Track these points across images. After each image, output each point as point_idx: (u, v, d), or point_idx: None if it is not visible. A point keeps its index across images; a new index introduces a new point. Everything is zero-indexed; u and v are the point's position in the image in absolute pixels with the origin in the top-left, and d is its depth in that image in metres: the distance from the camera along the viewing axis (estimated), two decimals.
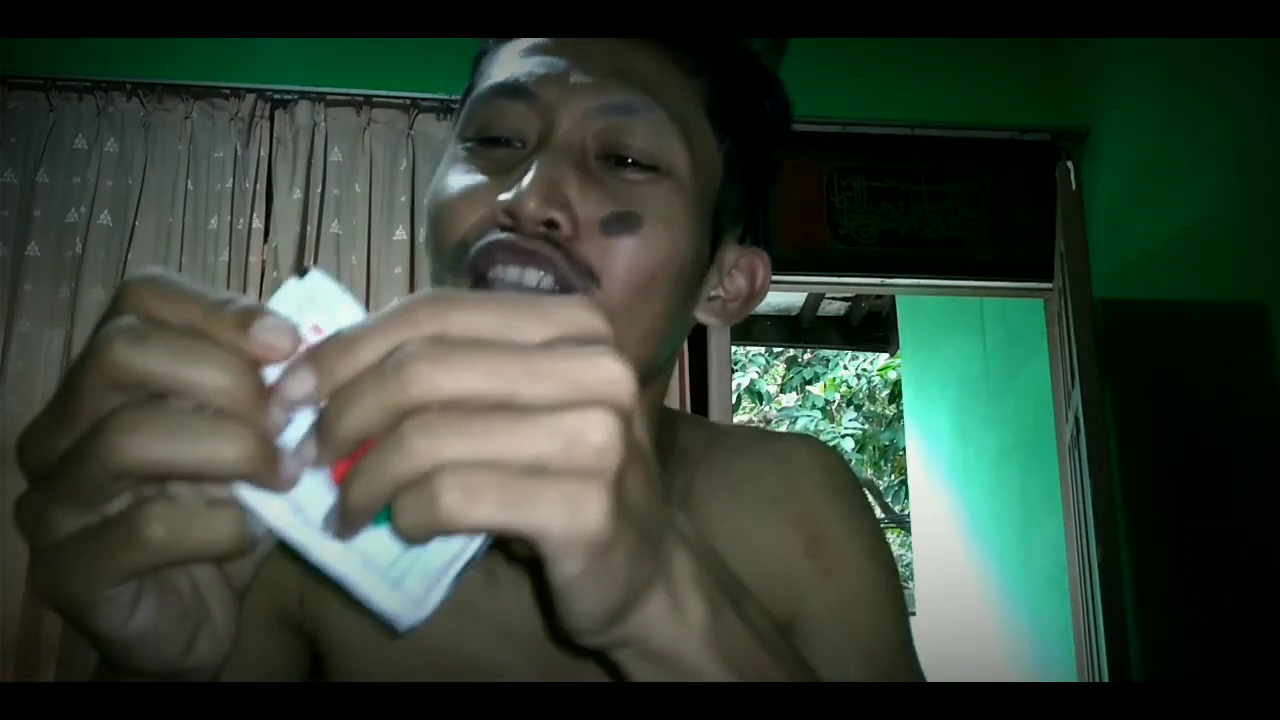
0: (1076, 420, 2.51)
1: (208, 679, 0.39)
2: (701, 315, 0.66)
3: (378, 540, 0.34)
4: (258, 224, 2.68)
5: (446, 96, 2.70)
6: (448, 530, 0.31)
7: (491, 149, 0.59)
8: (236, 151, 2.71)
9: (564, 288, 0.55)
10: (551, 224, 0.54)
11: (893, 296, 5.26)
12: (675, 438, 0.70)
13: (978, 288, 3.10)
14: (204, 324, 0.32)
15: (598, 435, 0.31)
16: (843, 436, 8.84)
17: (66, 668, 2.34)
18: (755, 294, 0.67)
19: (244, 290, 2.62)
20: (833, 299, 5.94)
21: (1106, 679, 2.26)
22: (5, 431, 2.48)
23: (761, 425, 9.04)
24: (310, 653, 0.69)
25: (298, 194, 2.69)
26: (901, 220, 3.00)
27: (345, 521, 0.32)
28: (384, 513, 0.32)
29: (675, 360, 0.68)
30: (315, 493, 0.33)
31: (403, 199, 2.71)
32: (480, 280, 0.55)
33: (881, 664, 0.63)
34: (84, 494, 0.32)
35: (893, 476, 8.63)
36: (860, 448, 8.89)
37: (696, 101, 0.61)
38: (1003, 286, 3.06)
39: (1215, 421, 2.34)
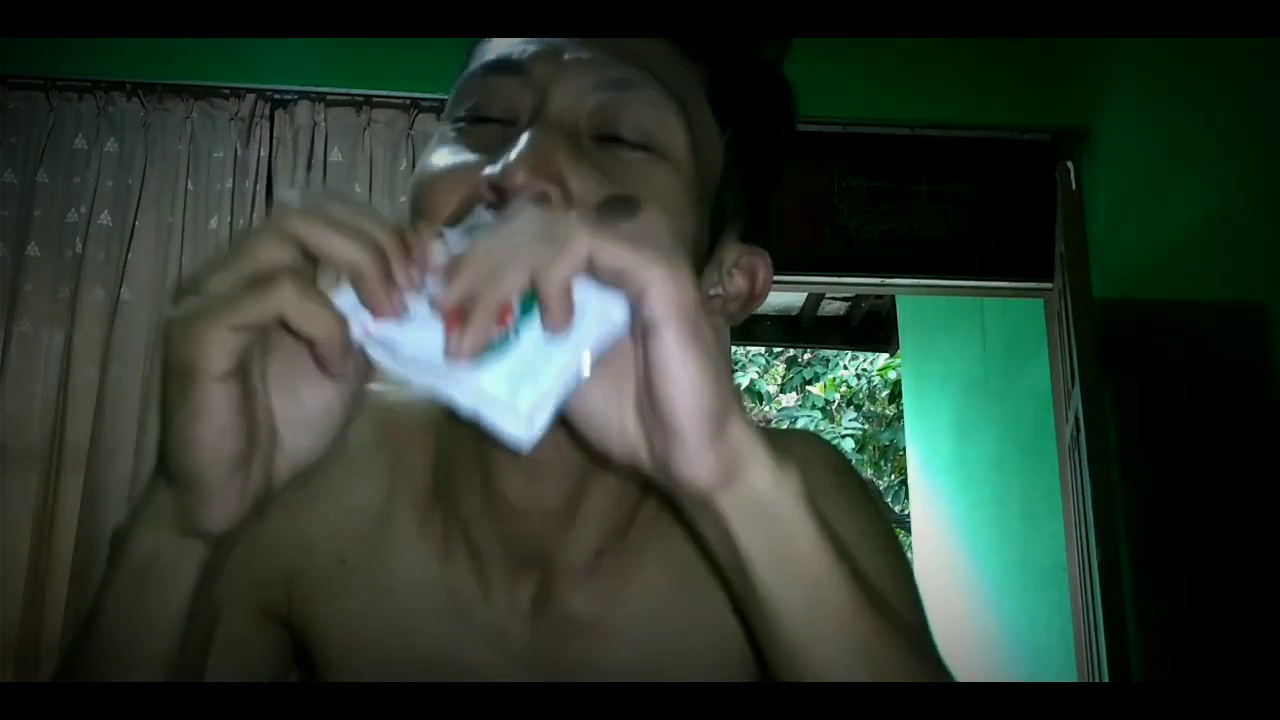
0: (1077, 420, 2.51)
1: (222, 524, 0.45)
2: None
3: (490, 372, 0.42)
4: (258, 224, 2.67)
5: (446, 96, 2.69)
6: (589, 271, 0.41)
7: (481, 126, 0.57)
8: (236, 151, 2.70)
9: None
10: (542, 197, 0.52)
11: (893, 296, 5.25)
12: None
13: (978, 288, 3.10)
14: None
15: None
16: (843, 437, 8.83)
17: (66, 668, 2.33)
18: (755, 296, 0.65)
19: None
20: (833, 299, 5.94)
21: (1106, 679, 2.25)
22: (5, 432, 2.48)
23: (761, 424, 9.04)
24: (293, 647, 0.68)
25: (298, 194, 2.68)
26: (902, 220, 2.99)
27: (468, 344, 0.41)
28: (491, 346, 0.42)
29: None
30: (430, 339, 0.43)
31: (403, 199, 2.70)
32: None
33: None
34: (247, 259, 0.42)
35: (893, 477, 8.62)
36: (860, 448, 8.88)
37: (697, 85, 0.59)
38: (1003, 286, 3.06)
39: (1215, 421, 2.33)
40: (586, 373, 0.43)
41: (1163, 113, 2.60)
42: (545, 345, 0.43)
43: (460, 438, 0.62)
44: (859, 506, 0.68)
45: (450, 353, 0.42)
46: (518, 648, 0.64)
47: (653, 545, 0.65)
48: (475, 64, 0.60)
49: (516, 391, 0.42)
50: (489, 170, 0.52)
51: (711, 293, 0.63)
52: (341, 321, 0.42)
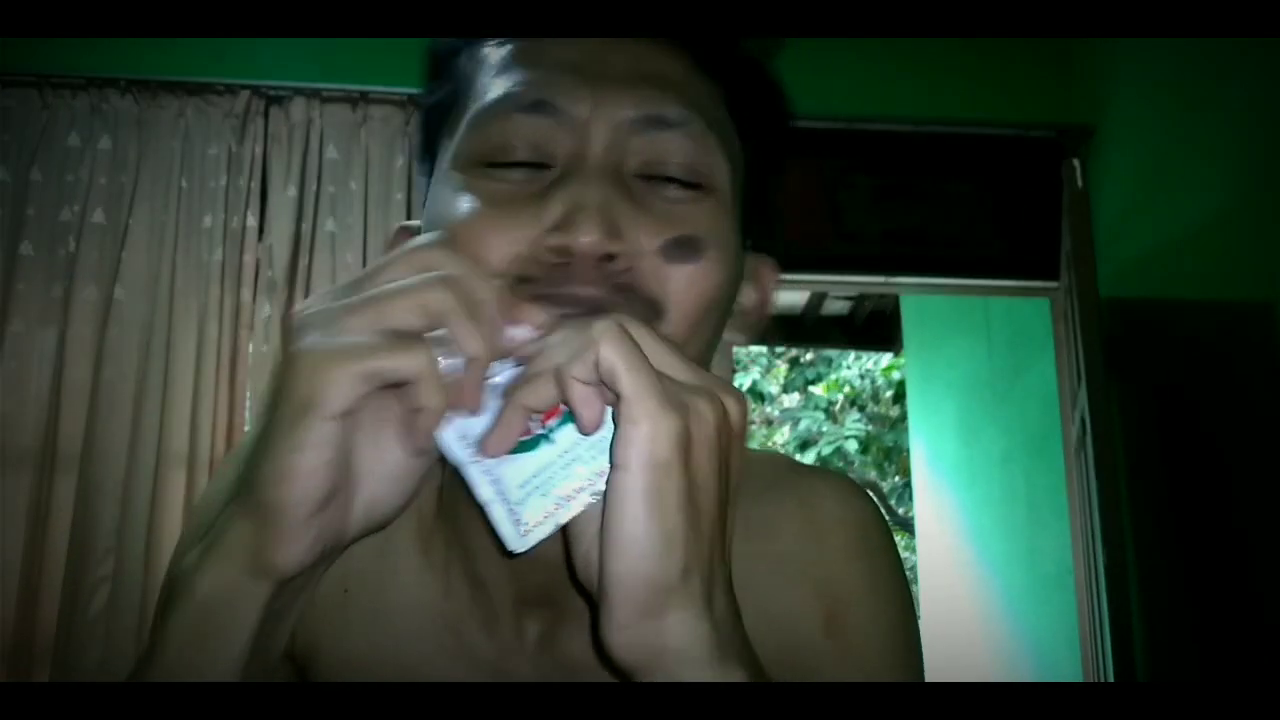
0: (1083, 420, 2.49)
1: (294, 565, 0.44)
2: (727, 334, 0.61)
3: (513, 469, 0.44)
4: (252, 221, 2.66)
5: None
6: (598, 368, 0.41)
7: (508, 171, 0.53)
8: (231, 149, 2.69)
9: None
10: (609, 257, 0.50)
11: (897, 296, 5.24)
12: None
13: (983, 287, 3.08)
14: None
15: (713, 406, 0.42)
16: (846, 438, 8.82)
17: (61, 668, 2.32)
18: (765, 303, 0.63)
19: (238, 288, 2.60)
20: (836, 298, 5.92)
21: (1111, 680, 2.24)
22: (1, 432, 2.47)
23: (763, 426, 9.04)
24: (297, 679, 0.67)
25: (293, 191, 2.67)
26: (905, 219, 2.97)
27: (496, 440, 0.43)
28: (521, 445, 0.43)
29: None
30: (480, 426, 0.44)
31: (399, 196, 2.69)
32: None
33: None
34: (388, 316, 0.43)
35: (897, 478, 8.61)
36: (864, 449, 8.88)
37: (719, 102, 0.57)
38: (1008, 285, 3.04)
39: (1222, 421, 2.32)
40: (600, 495, 0.43)
41: (1169, 111, 2.58)
42: (573, 457, 0.44)
43: None
44: (878, 582, 0.63)
45: (483, 440, 0.44)
46: (520, 673, 0.62)
47: None
48: (488, 97, 0.55)
49: (525, 500, 0.43)
50: (554, 237, 0.50)
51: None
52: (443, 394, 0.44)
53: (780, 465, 0.69)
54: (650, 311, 0.51)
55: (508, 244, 0.51)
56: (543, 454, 0.44)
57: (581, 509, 0.43)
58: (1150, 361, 2.65)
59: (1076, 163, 2.77)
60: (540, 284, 0.50)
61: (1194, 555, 2.41)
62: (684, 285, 0.52)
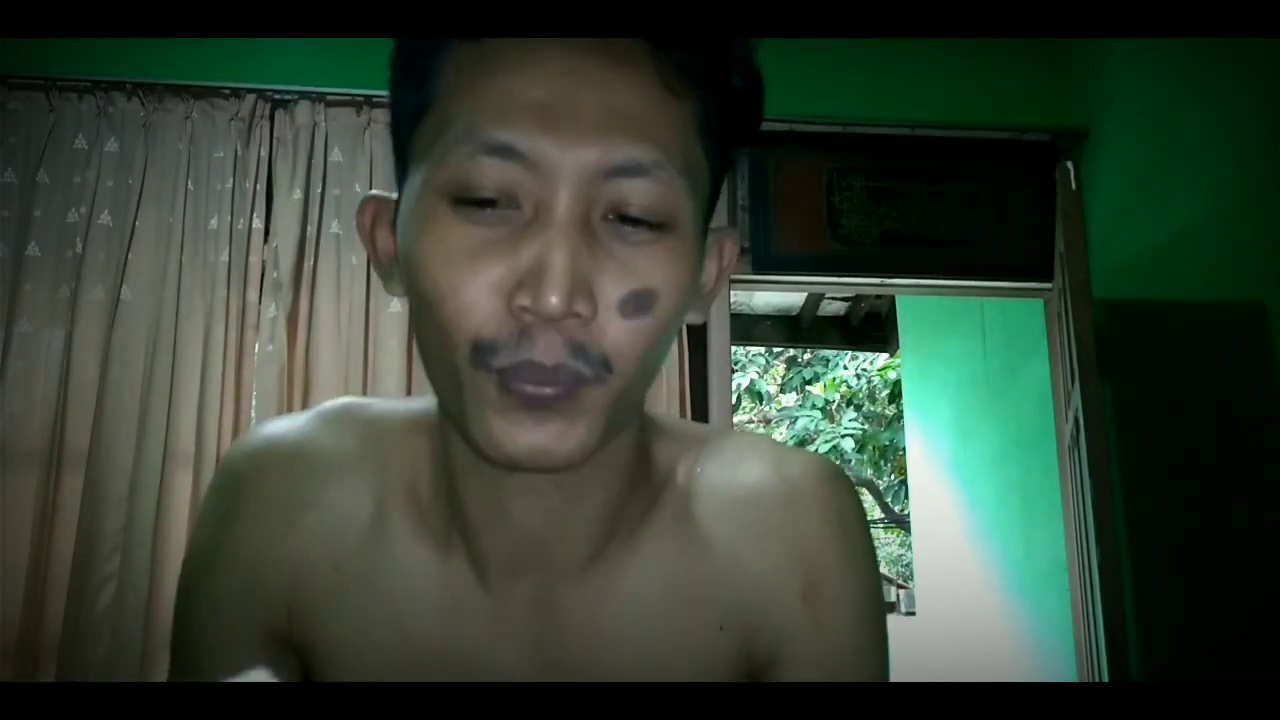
0: (1076, 420, 2.51)
1: None
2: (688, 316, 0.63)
3: None
4: (258, 224, 2.68)
5: None
6: None
7: (478, 210, 0.54)
8: (237, 151, 2.70)
9: (579, 381, 0.54)
10: (574, 315, 0.52)
11: (893, 296, 5.26)
12: (657, 453, 0.69)
13: (978, 288, 3.09)
14: None
15: None
16: (843, 436, 8.83)
17: (66, 665, 2.34)
18: (725, 269, 0.65)
19: (244, 289, 2.62)
20: (832, 299, 5.94)
21: (1106, 679, 2.25)
22: (5, 431, 2.48)
23: (761, 425, 9.03)
24: (300, 666, 0.68)
25: (298, 194, 2.69)
26: (901, 220, 2.99)
27: None
28: None
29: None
30: None
31: (395, 195, 2.71)
32: (504, 388, 0.53)
33: None
34: None
35: (893, 476, 8.61)
36: (860, 448, 8.88)
37: (691, 128, 0.57)
38: (1003, 286, 3.06)
39: (1215, 421, 2.34)
40: None
41: (1163, 113, 2.60)
42: None
43: (459, 446, 0.63)
44: (854, 559, 0.66)
45: None
46: (518, 643, 0.65)
47: (642, 553, 0.66)
48: (458, 131, 0.55)
49: None
50: (521, 297, 0.52)
51: None
52: None
53: (761, 442, 0.72)
54: (602, 368, 0.54)
55: (478, 301, 0.53)
56: None
57: None
58: (1143, 361, 2.66)
59: (1070, 165, 2.78)
60: (503, 353, 0.53)
61: (1186, 552, 2.43)
62: (634, 341, 0.54)
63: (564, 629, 0.65)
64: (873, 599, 0.66)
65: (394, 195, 0.65)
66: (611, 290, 0.54)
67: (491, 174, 0.53)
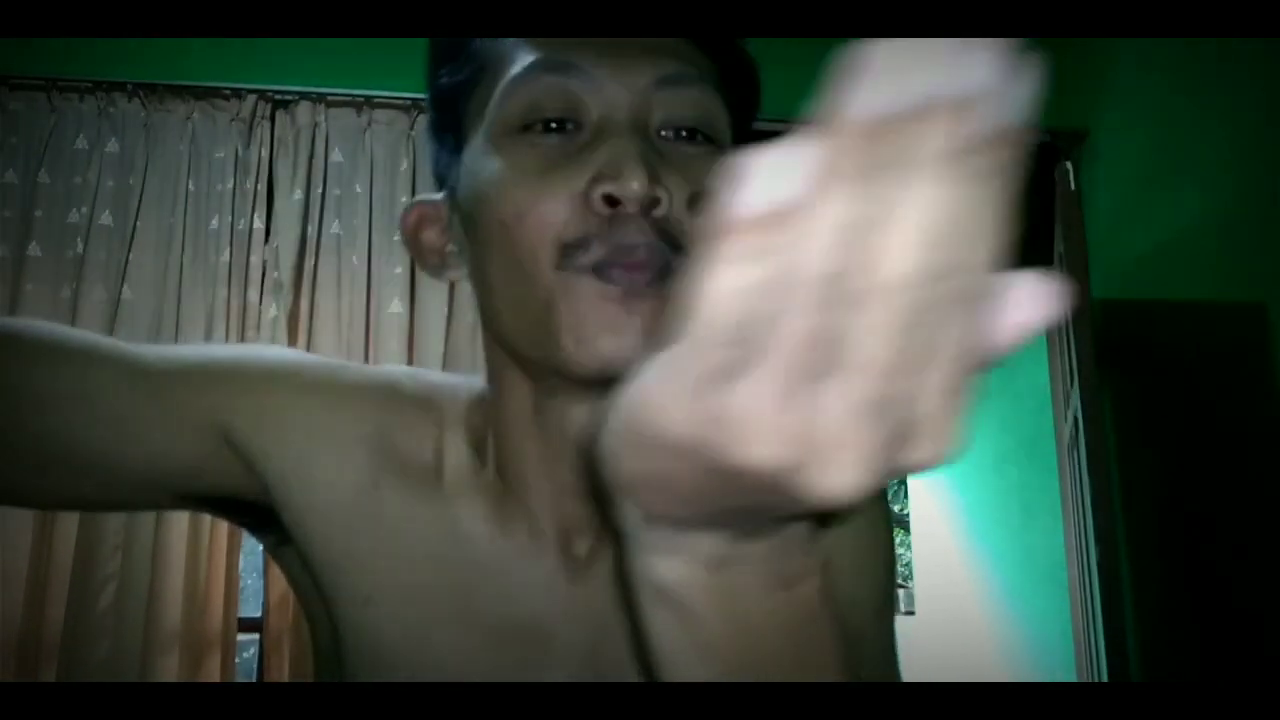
0: (1075, 420, 2.51)
1: None
2: None
3: None
4: (259, 224, 2.68)
5: None
6: None
7: (543, 136, 0.57)
8: (237, 152, 2.71)
9: (668, 268, 0.55)
10: (655, 202, 0.54)
11: None
12: None
13: None
14: None
15: None
16: None
17: (68, 664, 2.34)
18: None
19: (244, 289, 2.62)
20: None
21: (1105, 678, 2.26)
22: None
23: None
24: (254, 489, 0.64)
25: (298, 194, 2.69)
26: None
27: None
28: None
29: None
30: None
31: (404, 199, 2.71)
32: (599, 277, 0.54)
33: (860, 677, 0.62)
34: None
35: None
36: None
37: (712, 75, 0.61)
38: None
39: (1214, 422, 2.34)
40: None
41: (1162, 114, 2.60)
42: None
43: (517, 402, 0.63)
44: (873, 525, 0.67)
45: None
46: (566, 598, 0.64)
47: None
48: (521, 65, 0.58)
49: None
50: (602, 187, 0.54)
51: None
52: None
53: None
54: (680, 261, 0.55)
55: (558, 206, 0.55)
56: None
57: None
58: (1142, 362, 2.67)
59: (1069, 165, 2.78)
60: (592, 247, 0.54)
61: (1185, 553, 2.43)
62: (703, 239, 0.56)
63: (614, 589, 0.64)
64: (885, 578, 0.67)
65: (438, 197, 0.67)
66: (681, 188, 0.56)
67: (554, 91, 0.57)
